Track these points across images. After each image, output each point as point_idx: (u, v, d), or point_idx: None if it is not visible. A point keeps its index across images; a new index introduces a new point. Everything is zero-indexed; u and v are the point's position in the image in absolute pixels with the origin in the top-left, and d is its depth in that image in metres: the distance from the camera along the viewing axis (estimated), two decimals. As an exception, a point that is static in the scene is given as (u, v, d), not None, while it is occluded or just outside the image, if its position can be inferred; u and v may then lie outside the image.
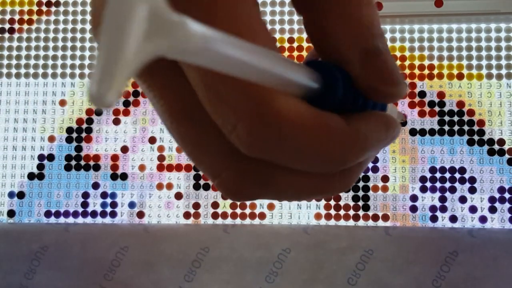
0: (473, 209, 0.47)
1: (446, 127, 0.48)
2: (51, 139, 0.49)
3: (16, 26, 0.51)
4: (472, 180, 0.47)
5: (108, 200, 0.48)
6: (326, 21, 0.16)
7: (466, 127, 0.47)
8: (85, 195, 0.48)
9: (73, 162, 0.49)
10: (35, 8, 0.51)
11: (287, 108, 0.14)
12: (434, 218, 0.47)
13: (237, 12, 0.14)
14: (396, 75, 0.16)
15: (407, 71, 0.48)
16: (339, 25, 0.16)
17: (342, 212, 0.47)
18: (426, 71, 0.48)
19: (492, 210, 0.46)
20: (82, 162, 0.49)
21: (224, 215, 0.48)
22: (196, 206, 0.48)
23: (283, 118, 0.14)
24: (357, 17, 0.16)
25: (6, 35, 0.50)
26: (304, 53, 0.49)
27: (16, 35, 0.50)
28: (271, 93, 0.14)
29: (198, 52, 0.11)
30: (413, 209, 0.47)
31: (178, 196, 0.48)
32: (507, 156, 0.47)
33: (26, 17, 0.51)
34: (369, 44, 0.16)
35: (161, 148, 0.49)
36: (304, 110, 0.14)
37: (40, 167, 0.49)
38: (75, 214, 0.48)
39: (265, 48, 0.13)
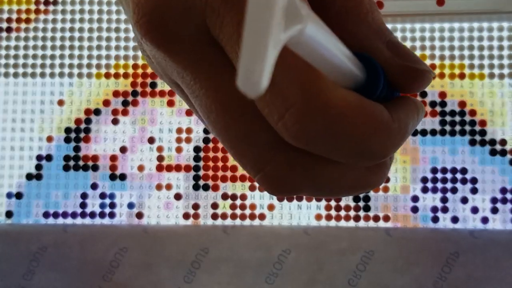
0: (474, 210, 0.46)
1: (448, 127, 0.47)
2: (49, 139, 0.49)
3: (14, 25, 0.50)
4: (474, 180, 0.47)
5: (107, 201, 0.48)
6: (345, 21, 0.17)
7: (467, 127, 0.47)
8: (84, 195, 0.48)
9: (72, 163, 0.48)
10: (33, 7, 0.50)
11: (336, 97, 0.14)
12: (435, 219, 0.46)
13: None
14: (420, 59, 0.17)
15: (408, 71, 0.48)
16: (360, 23, 0.17)
17: (342, 213, 0.47)
18: (428, 71, 0.48)
19: (494, 211, 0.46)
20: (81, 163, 0.48)
21: (224, 216, 0.47)
22: (196, 206, 0.48)
23: (333, 106, 0.14)
24: (373, 17, 0.17)
25: (4, 34, 0.50)
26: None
27: (13, 34, 0.50)
28: (321, 82, 0.14)
29: (307, 41, 0.11)
30: (414, 209, 0.47)
31: (178, 196, 0.48)
32: (509, 156, 0.47)
33: (24, 16, 0.50)
34: (389, 37, 0.17)
35: (160, 148, 0.48)
36: (354, 100, 0.14)
37: (38, 167, 0.49)
38: (74, 215, 0.48)
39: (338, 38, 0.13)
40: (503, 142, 0.47)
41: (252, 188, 0.48)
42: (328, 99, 0.14)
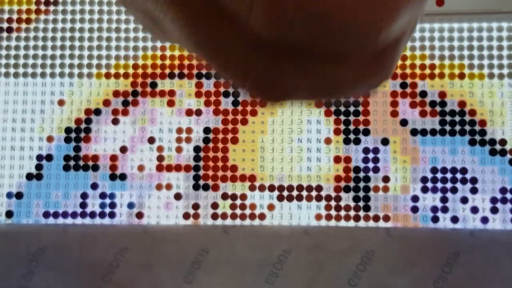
0: (474, 210, 0.46)
1: (448, 127, 0.47)
2: (50, 139, 0.49)
3: (15, 25, 0.50)
4: (474, 180, 0.47)
5: (107, 201, 0.48)
6: None
7: (467, 127, 0.47)
8: (84, 195, 0.48)
9: (72, 162, 0.48)
10: (33, 7, 0.50)
11: None
12: (435, 219, 0.46)
13: None
14: None
15: (408, 71, 0.48)
16: None
17: (342, 213, 0.47)
18: (427, 71, 0.48)
19: (494, 210, 0.46)
20: (81, 162, 0.48)
21: (224, 216, 0.47)
22: (196, 206, 0.48)
23: None
24: None
25: (4, 34, 0.50)
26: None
27: (14, 35, 0.50)
28: None
29: None
30: (414, 209, 0.47)
31: (178, 196, 0.48)
32: (509, 156, 0.47)
33: (24, 16, 0.50)
34: None
35: (160, 148, 0.48)
36: None
37: (39, 167, 0.49)
38: (74, 215, 0.48)
39: None
40: (503, 142, 0.47)
41: (252, 188, 0.48)
42: None
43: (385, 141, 0.47)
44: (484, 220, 0.46)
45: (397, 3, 0.14)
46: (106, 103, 0.49)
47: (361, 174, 0.47)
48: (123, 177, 0.48)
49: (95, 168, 0.48)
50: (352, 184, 0.47)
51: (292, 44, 0.14)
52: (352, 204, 0.47)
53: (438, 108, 0.47)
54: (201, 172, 0.48)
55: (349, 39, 0.14)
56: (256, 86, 0.14)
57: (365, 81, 0.15)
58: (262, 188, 0.47)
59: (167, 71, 0.49)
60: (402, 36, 0.15)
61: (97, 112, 0.49)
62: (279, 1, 0.12)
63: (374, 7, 0.13)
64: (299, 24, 0.13)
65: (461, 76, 0.48)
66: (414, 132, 0.47)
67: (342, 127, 0.47)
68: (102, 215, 0.48)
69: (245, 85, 0.15)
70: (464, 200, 0.46)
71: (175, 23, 0.15)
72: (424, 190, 0.47)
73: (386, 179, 0.47)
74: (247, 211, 0.47)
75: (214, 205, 0.48)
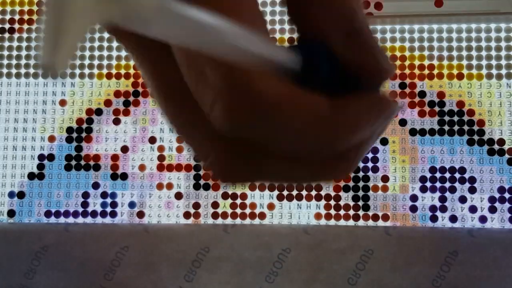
0: (473, 209, 0.47)
1: (446, 127, 0.48)
2: (51, 139, 0.49)
3: (16, 26, 0.51)
4: (472, 180, 0.47)
5: (108, 200, 0.48)
6: (309, 8, 0.16)
7: (466, 127, 0.47)
8: (85, 195, 0.48)
9: (73, 162, 0.49)
10: (35, 8, 0.51)
11: (265, 86, 0.13)
12: (434, 218, 0.47)
13: None
14: (378, 51, 0.16)
15: (407, 71, 0.48)
16: (322, 9, 0.16)
17: (342, 212, 0.47)
18: (426, 71, 0.48)
19: (492, 210, 0.47)
20: (82, 162, 0.49)
21: (224, 215, 0.48)
22: (196, 206, 0.48)
23: (259, 95, 0.13)
24: (340, 3, 0.16)
25: (6, 35, 0.50)
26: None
27: (16, 35, 0.50)
28: (247, 71, 0.13)
29: (151, 18, 0.10)
30: (413, 209, 0.47)
31: (178, 196, 0.48)
32: (507, 156, 0.47)
33: (26, 17, 0.51)
34: (351, 27, 0.16)
35: (161, 148, 0.49)
36: (284, 89, 0.14)
37: (40, 167, 0.49)
38: (75, 214, 0.48)
39: (244, 26, 0.13)
40: (501, 141, 0.47)
41: (252, 188, 0.48)
42: (252, 86, 0.13)
43: (384, 141, 0.48)
44: (483, 219, 0.46)
45: (353, 125, 0.15)
46: (107, 103, 0.49)
47: (360, 174, 0.47)
48: (124, 176, 0.48)
49: (97, 167, 0.49)
50: (351, 183, 0.47)
51: (248, 141, 0.15)
52: (351, 203, 0.47)
53: (436, 108, 0.48)
54: (202, 172, 0.48)
55: (303, 148, 0.15)
56: (211, 168, 0.16)
57: (323, 178, 0.17)
58: (262, 187, 0.48)
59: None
60: (364, 143, 0.16)
61: (99, 112, 0.49)
62: (236, 106, 0.13)
63: (329, 129, 0.14)
64: (254, 127, 0.14)
65: (460, 76, 0.48)
66: (413, 132, 0.48)
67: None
68: (103, 214, 0.48)
69: (204, 163, 0.16)
70: (463, 199, 0.47)
71: (154, 89, 0.16)
72: (423, 189, 0.47)
73: (385, 178, 0.47)
74: (247, 210, 0.48)
75: (215, 204, 0.48)
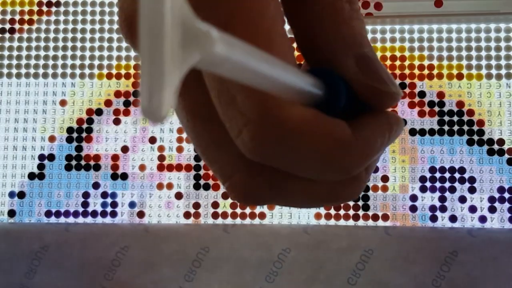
0: (472, 209, 0.47)
1: (446, 127, 0.48)
2: (52, 139, 0.49)
3: (17, 26, 0.51)
4: (472, 180, 0.47)
5: (109, 200, 0.48)
6: (318, 31, 0.16)
7: (465, 127, 0.47)
8: (86, 195, 0.48)
9: (74, 162, 0.49)
10: (35, 8, 0.51)
11: (292, 114, 0.14)
12: (434, 218, 0.47)
13: (255, 24, 0.14)
14: (390, 77, 0.17)
15: (407, 71, 0.48)
16: (332, 34, 0.16)
17: (342, 212, 0.47)
18: (426, 71, 0.48)
19: (492, 210, 0.47)
20: (83, 162, 0.49)
21: (224, 215, 0.48)
22: (196, 206, 0.48)
23: (287, 122, 0.14)
24: (349, 27, 0.16)
25: (7, 35, 0.51)
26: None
27: (16, 35, 0.51)
28: (278, 100, 0.14)
29: (221, 62, 0.11)
30: (413, 209, 0.47)
31: (179, 196, 0.48)
32: (506, 156, 0.47)
33: (26, 17, 0.51)
34: (361, 52, 0.16)
35: (161, 148, 0.49)
36: (310, 117, 0.14)
37: (41, 167, 0.49)
38: (76, 214, 0.48)
39: (277, 59, 0.13)
40: (501, 141, 0.47)
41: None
42: (282, 115, 0.14)
43: (384, 141, 0.48)
44: (482, 219, 0.47)
45: (372, 147, 0.16)
46: (108, 103, 0.49)
47: (360, 174, 0.47)
48: (124, 176, 0.49)
49: (97, 167, 0.49)
50: (351, 183, 0.47)
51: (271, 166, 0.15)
52: (351, 203, 0.47)
53: (436, 108, 0.48)
54: (202, 172, 0.48)
55: (324, 175, 0.16)
56: (232, 190, 0.16)
57: (340, 199, 0.17)
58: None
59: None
60: (374, 162, 0.17)
61: (99, 112, 0.49)
62: (265, 134, 0.14)
63: (352, 152, 0.15)
64: (280, 154, 0.15)
65: (459, 76, 0.48)
66: (412, 132, 0.48)
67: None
68: (103, 214, 0.48)
69: (225, 184, 0.16)
70: (463, 199, 0.47)
71: (180, 110, 0.16)
72: (423, 189, 0.47)
73: (385, 178, 0.48)
74: (247, 210, 0.48)
75: (215, 204, 0.48)
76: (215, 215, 0.48)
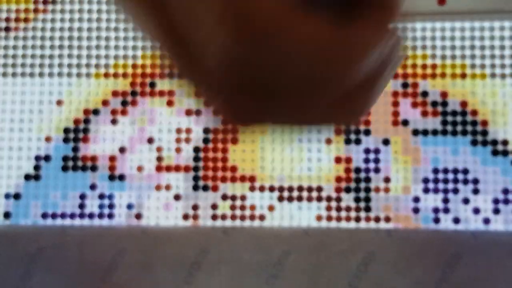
0: (476, 211, 0.46)
1: (449, 127, 0.47)
2: (48, 139, 0.48)
3: (13, 24, 0.50)
4: (476, 181, 0.46)
5: (106, 202, 0.48)
6: None
7: (469, 127, 0.47)
8: (83, 196, 0.48)
9: (70, 163, 0.48)
10: (31, 6, 0.50)
11: (266, 7, 0.13)
12: (437, 220, 0.46)
13: None
14: None
15: (410, 70, 0.48)
16: None
17: (343, 214, 0.47)
18: (429, 70, 0.47)
19: (496, 211, 0.46)
20: (80, 163, 0.48)
21: (224, 217, 0.47)
22: (195, 207, 0.47)
23: (260, 17, 0.13)
24: None
25: (2, 33, 0.50)
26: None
27: (12, 34, 0.50)
28: None
29: None
30: (416, 210, 0.46)
31: (177, 197, 0.47)
32: (511, 156, 0.46)
33: (22, 15, 0.50)
34: None
35: (159, 149, 0.48)
36: (284, 12, 0.13)
37: (37, 167, 0.48)
38: (72, 216, 0.48)
39: None
40: (505, 142, 0.46)
41: (252, 189, 0.47)
42: (253, 8, 0.13)
43: (386, 142, 0.47)
44: (486, 221, 0.46)
45: (359, 47, 0.15)
46: (105, 103, 0.49)
47: (362, 175, 0.47)
48: (122, 177, 0.48)
49: (94, 168, 0.48)
50: (353, 184, 0.47)
51: (255, 80, 0.14)
52: (353, 205, 0.47)
53: (439, 108, 0.47)
54: (201, 173, 0.48)
55: (307, 79, 0.14)
56: (223, 109, 0.16)
57: (332, 120, 0.16)
58: (262, 188, 0.47)
59: (167, 71, 0.48)
60: (372, 80, 0.16)
61: (96, 112, 0.49)
62: (238, 27, 0.13)
63: (332, 52, 0.14)
64: (257, 52, 0.14)
65: (463, 76, 0.47)
66: (415, 132, 0.47)
67: (342, 127, 0.47)
68: (101, 216, 0.48)
69: (215, 106, 0.16)
70: (466, 201, 0.46)
71: (154, 33, 0.16)
72: (426, 191, 0.46)
73: (387, 179, 0.47)
74: (247, 212, 0.47)
75: (214, 206, 0.47)
76: (214, 217, 0.47)
